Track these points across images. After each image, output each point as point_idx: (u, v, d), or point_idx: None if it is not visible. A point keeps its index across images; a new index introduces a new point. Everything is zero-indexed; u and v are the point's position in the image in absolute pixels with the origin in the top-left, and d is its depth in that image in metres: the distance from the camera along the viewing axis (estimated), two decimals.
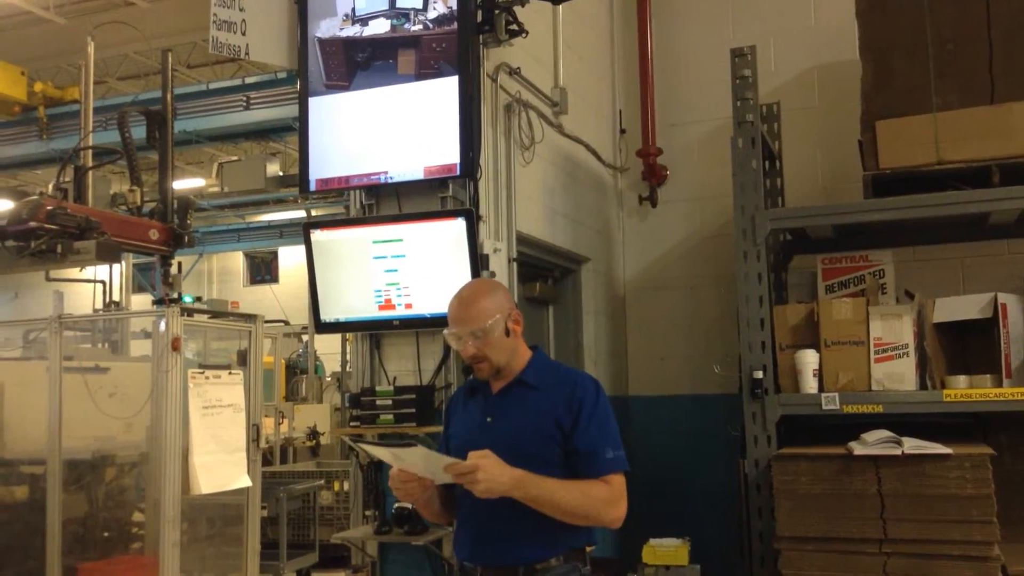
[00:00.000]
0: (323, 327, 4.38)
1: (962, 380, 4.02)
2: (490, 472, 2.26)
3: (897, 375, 4.08)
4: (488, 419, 2.54)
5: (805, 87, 5.74)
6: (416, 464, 2.37)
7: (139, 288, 13.93)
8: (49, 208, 5.10)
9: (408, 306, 4.14)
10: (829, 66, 5.66)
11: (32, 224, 4.99)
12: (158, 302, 6.71)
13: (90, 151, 7.48)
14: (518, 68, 4.59)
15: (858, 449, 3.78)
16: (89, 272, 10.38)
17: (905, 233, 4.85)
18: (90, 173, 6.86)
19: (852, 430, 4.03)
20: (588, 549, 2.57)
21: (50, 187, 5.99)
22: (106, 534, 7.70)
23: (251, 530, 7.30)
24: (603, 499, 2.42)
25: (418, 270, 4.11)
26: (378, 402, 4.13)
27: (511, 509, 2.36)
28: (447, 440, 2.65)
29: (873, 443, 3.78)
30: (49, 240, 5.02)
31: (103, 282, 10.43)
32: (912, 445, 3.71)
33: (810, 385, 4.15)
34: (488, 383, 2.61)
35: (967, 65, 4.24)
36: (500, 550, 2.46)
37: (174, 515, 6.44)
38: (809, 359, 4.16)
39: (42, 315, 6.74)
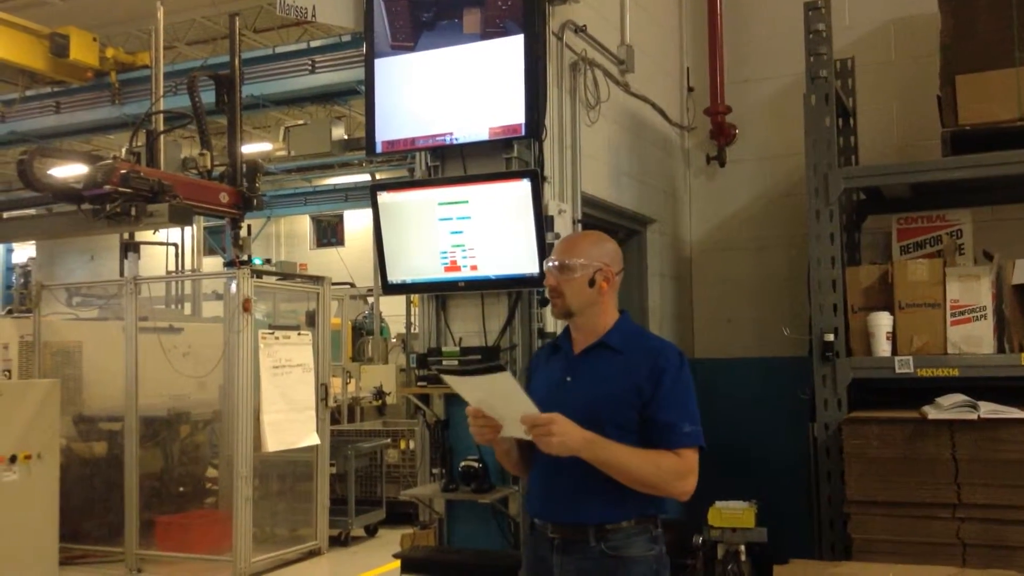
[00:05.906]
0: (389, 288, 4.41)
1: None
2: (563, 427, 2.28)
3: (974, 338, 3.97)
4: (568, 378, 2.54)
5: (881, 41, 5.55)
6: (493, 400, 2.35)
7: (209, 251, 14.23)
8: (123, 171, 5.24)
9: (473, 268, 4.14)
10: (906, 19, 5.46)
11: (107, 187, 5.14)
12: (228, 264, 6.86)
13: (161, 115, 7.63)
14: (584, 26, 4.52)
15: (932, 413, 3.70)
16: (162, 235, 10.64)
17: (984, 192, 4.68)
18: (162, 137, 6.99)
19: (923, 394, 3.94)
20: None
21: (123, 151, 6.14)
22: (181, 489, 7.98)
23: (320, 487, 7.52)
24: (673, 471, 2.40)
25: (483, 232, 4.11)
26: (444, 362, 4.16)
27: (583, 468, 2.37)
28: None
29: (948, 407, 3.70)
30: (123, 203, 5.16)
31: (175, 245, 10.69)
32: (988, 409, 3.62)
33: (883, 348, 4.06)
34: (571, 343, 2.60)
35: None
36: (569, 508, 2.46)
37: (246, 472, 6.66)
38: (883, 321, 4.07)
39: (116, 277, 6.91)
